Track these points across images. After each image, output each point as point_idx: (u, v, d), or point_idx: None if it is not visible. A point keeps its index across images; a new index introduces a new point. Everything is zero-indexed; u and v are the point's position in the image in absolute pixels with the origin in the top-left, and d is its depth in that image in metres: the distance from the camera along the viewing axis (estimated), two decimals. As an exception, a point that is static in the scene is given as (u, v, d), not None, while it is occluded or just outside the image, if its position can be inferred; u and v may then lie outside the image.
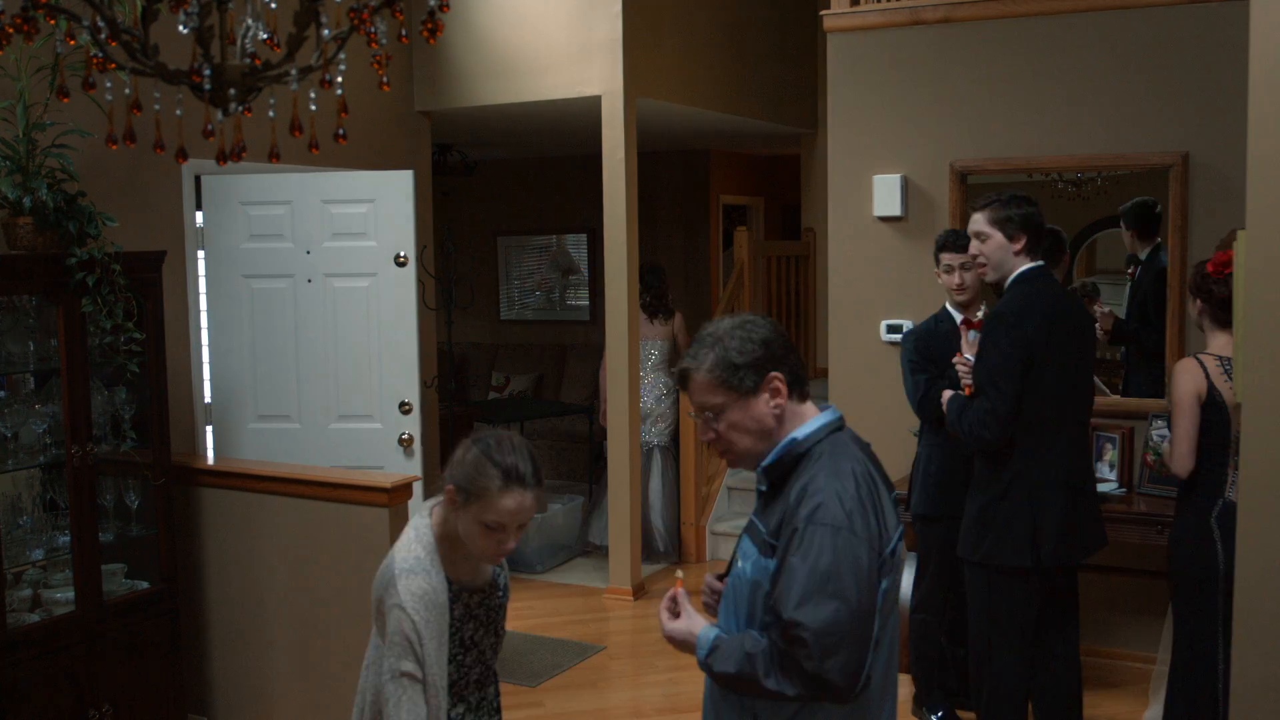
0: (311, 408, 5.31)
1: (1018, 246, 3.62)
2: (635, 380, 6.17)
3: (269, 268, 5.29)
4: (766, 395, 2.07)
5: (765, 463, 2.10)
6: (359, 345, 5.27)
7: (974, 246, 3.70)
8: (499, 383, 9.97)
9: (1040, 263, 3.66)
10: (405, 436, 5.26)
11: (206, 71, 1.96)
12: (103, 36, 1.95)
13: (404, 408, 5.25)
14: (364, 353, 5.27)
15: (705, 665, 2.09)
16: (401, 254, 5.23)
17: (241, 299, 5.30)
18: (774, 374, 2.06)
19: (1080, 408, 3.72)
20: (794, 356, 2.11)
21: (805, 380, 2.14)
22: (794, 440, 2.08)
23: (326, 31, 2.06)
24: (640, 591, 6.22)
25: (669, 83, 6.44)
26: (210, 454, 5.32)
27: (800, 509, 1.99)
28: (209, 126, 2.05)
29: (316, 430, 5.30)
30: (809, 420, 2.10)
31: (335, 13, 2.09)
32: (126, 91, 2.09)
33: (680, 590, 2.19)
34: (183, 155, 2.30)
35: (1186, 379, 3.59)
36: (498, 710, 2.66)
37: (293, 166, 5.34)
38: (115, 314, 4.03)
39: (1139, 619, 4.97)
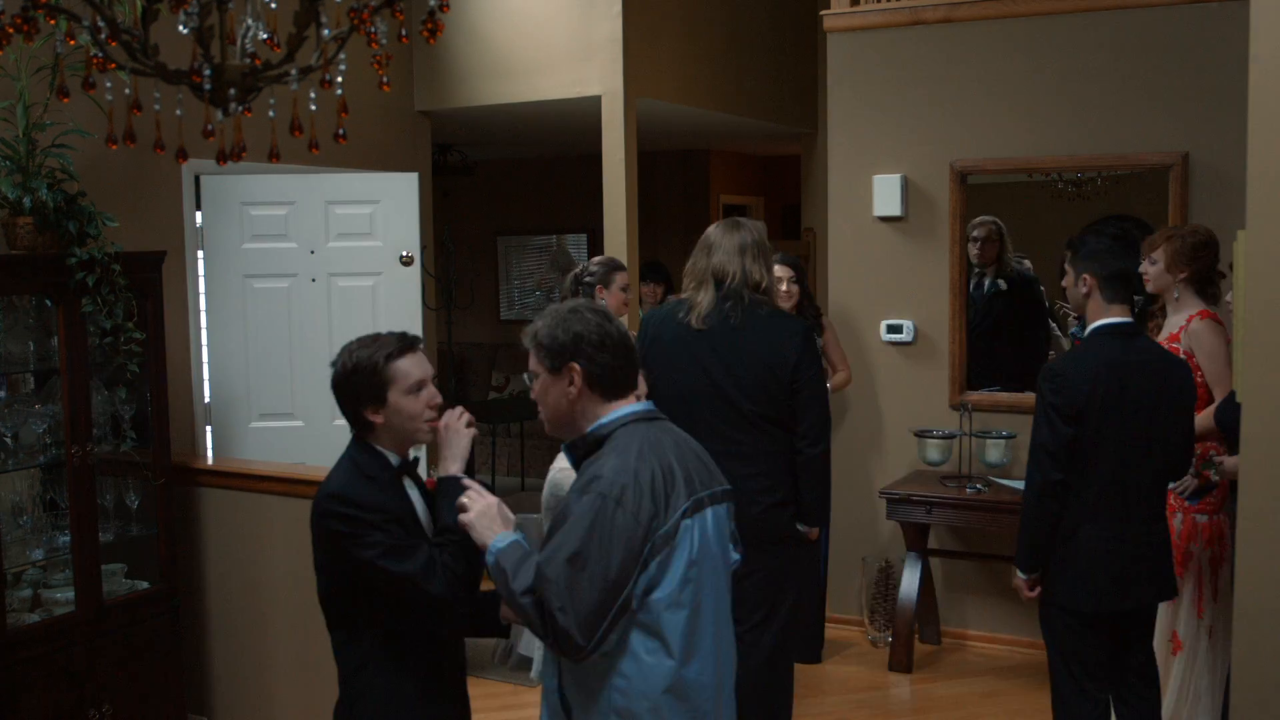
0: (313, 406, 5.31)
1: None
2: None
3: (271, 267, 5.33)
4: (565, 381, 2.28)
5: (569, 441, 2.35)
6: None
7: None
8: (499, 383, 9.97)
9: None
10: None
11: (206, 71, 1.96)
12: (103, 36, 1.95)
13: None
14: None
15: (489, 551, 2.26)
16: (405, 253, 5.29)
17: (243, 299, 5.31)
18: (573, 364, 2.26)
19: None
20: (607, 355, 2.27)
21: (621, 382, 2.30)
22: (598, 425, 2.29)
23: (326, 31, 2.06)
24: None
25: (669, 83, 6.44)
26: (210, 454, 5.32)
27: (579, 481, 2.22)
28: (209, 126, 2.05)
29: (319, 428, 5.31)
30: (612, 411, 2.29)
31: (335, 13, 2.09)
32: (126, 91, 2.09)
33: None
34: (183, 155, 2.30)
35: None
36: None
37: (293, 166, 5.35)
38: (115, 314, 4.03)
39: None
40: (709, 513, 2.27)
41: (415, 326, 5.33)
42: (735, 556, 2.39)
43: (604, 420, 2.29)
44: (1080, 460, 3.32)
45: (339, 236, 5.33)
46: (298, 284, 5.35)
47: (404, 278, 5.32)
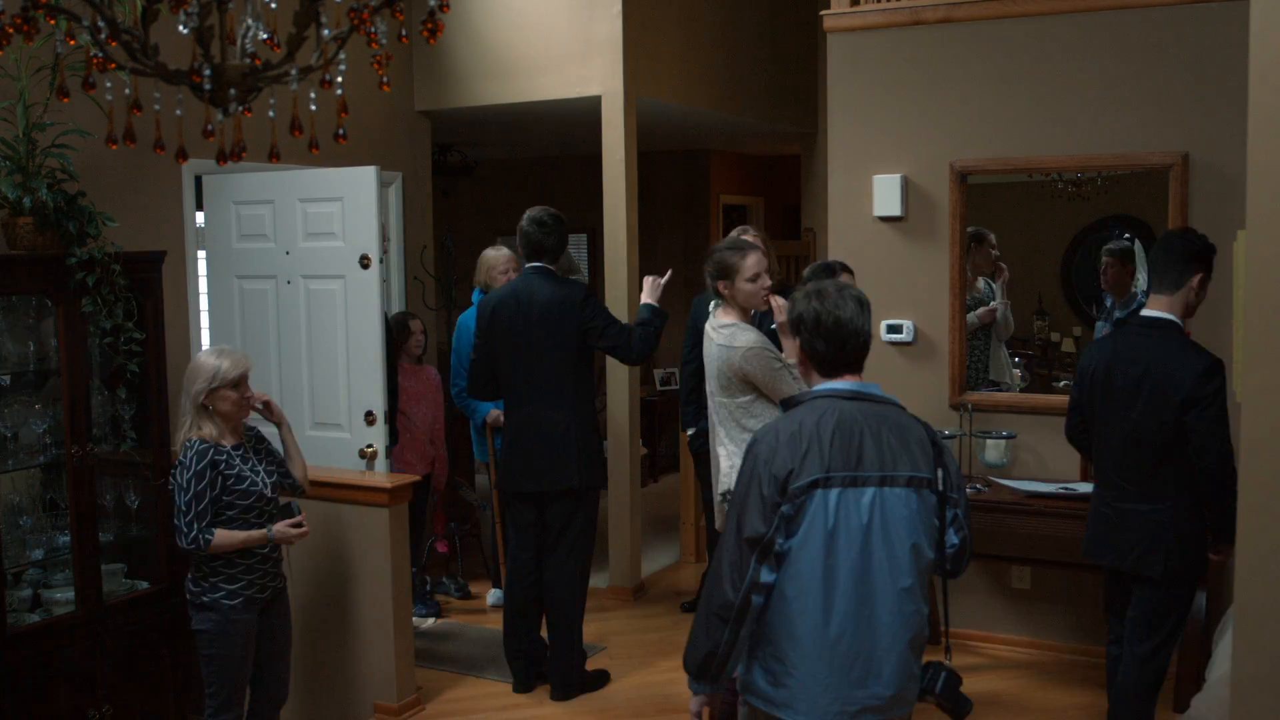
0: (291, 413, 5.04)
1: None
2: (635, 379, 6.17)
3: (256, 268, 5.20)
4: (797, 350, 2.66)
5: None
6: (330, 350, 5.04)
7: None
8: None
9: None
10: (368, 448, 4.98)
11: (206, 71, 1.96)
12: (103, 36, 1.95)
13: (369, 418, 4.97)
14: (335, 358, 5.03)
15: None
16: (365, 255, 4.92)
17: (233, 299, 5.26)
18: (797, 339, 2.63)
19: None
20: (820, 340, 2.57)
21: (836, 364, 2.58)
22: (803, 394, 2.63)
23: (326, 31, 2.06)
24: (640, 591, 6.22)
25: (669, 83, 6.44)
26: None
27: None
28: (209, 126, 2.06)
29: (297, 435, 5.15)
30: (818, 385, 2.61)
31: (335, 13, 2.09)
32: (126, 91, 2.09)
33: None
34: (183, 155, 2.30)
35: None
36: None
37: (293, 166, 5.34)
38: (115, 314, 4.04)
39: (1139, 619, 4.97)
40: (870, 492, 2.47)
41: (374, 335, 4.93)
42: (953, 541, 2.61)
43: (810, 389, 2.62)
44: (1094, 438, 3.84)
45: (309, 236, 5.06)
46: (277, 286, 5.14)
47: (364, 281, 4.93)
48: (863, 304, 2.59)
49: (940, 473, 2.54)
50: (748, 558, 2.46)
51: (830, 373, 2.59)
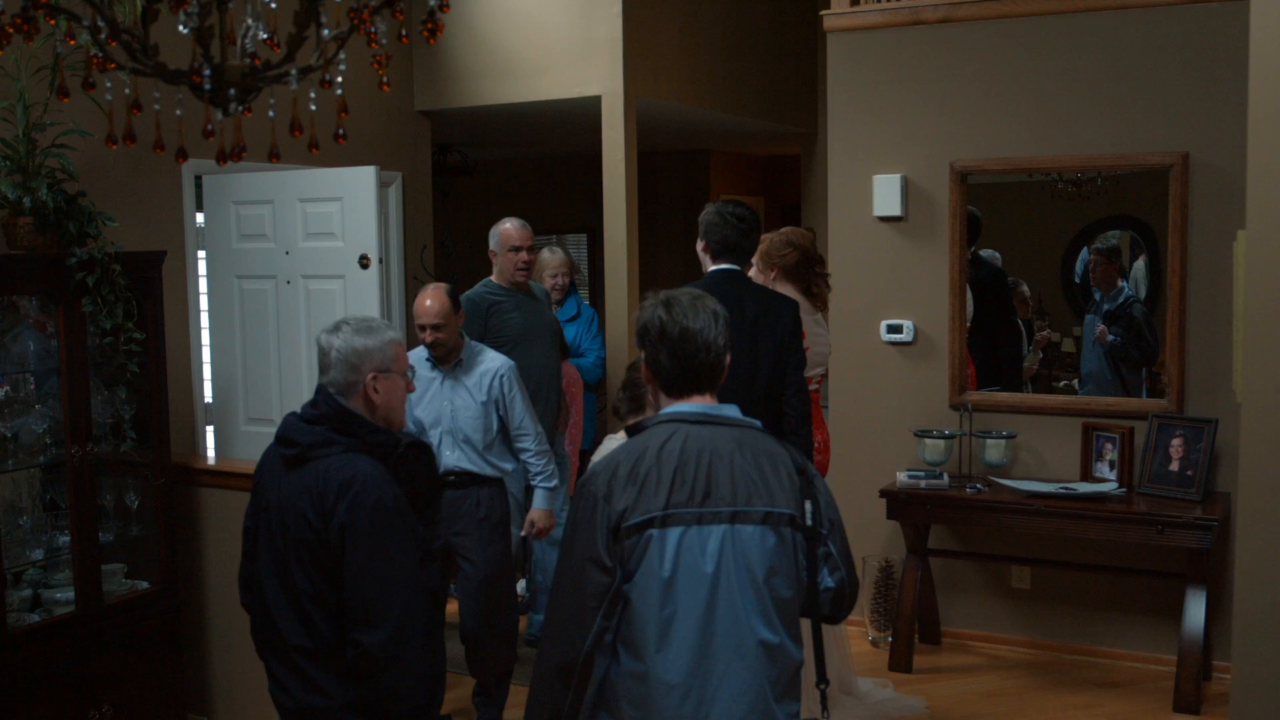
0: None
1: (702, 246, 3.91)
2: (635, 380, 6.16)
3: (256, 268, 5.19)
4: (644, 368, 2.29)
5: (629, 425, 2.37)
6: None
7: None
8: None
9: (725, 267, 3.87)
10: None
11: (206, 71, 1.96)
12: (103, 36, 1.95)
13: None
14: None
15: None
16: (364, 255, 4.94)
17: (233, 299, 5.25)
18: (642, 352, 2.26)
19: None
20: (663, 353, 2.21)
21: (678, 382, 2.22)
22: (650, 418, 2.25)
23: (326, 31, 2.06)
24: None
25: (669, 83, 6.44)
26: (211, 454, 5.30)
27: None
28: (209, 126, 2.05)
29: None
30: (666, 407, 2.25)
31: (335, 13, 2.09)
32: (126, 91, 2.09)
33: None
34: (183, 155, 2.30)
35: None
36: None
37: (293, 166, 5.34)
38: (115, 314, 4.03)
39: (1141, 619, 4.97)
40: (719, 531, 2.10)
41: None
42: (827, 583, 2.22)
43: (660, 412, 2.23)
44: None
45: (309, 236, 5.08)
46: (277, 286, 5.15)
47: (363, 282, 4.94)
48: (718, 316, 2.23)
49: (809, 505, 2.17)
50: (590, 611, 2.09)
51: (675, 392, 2.23)
